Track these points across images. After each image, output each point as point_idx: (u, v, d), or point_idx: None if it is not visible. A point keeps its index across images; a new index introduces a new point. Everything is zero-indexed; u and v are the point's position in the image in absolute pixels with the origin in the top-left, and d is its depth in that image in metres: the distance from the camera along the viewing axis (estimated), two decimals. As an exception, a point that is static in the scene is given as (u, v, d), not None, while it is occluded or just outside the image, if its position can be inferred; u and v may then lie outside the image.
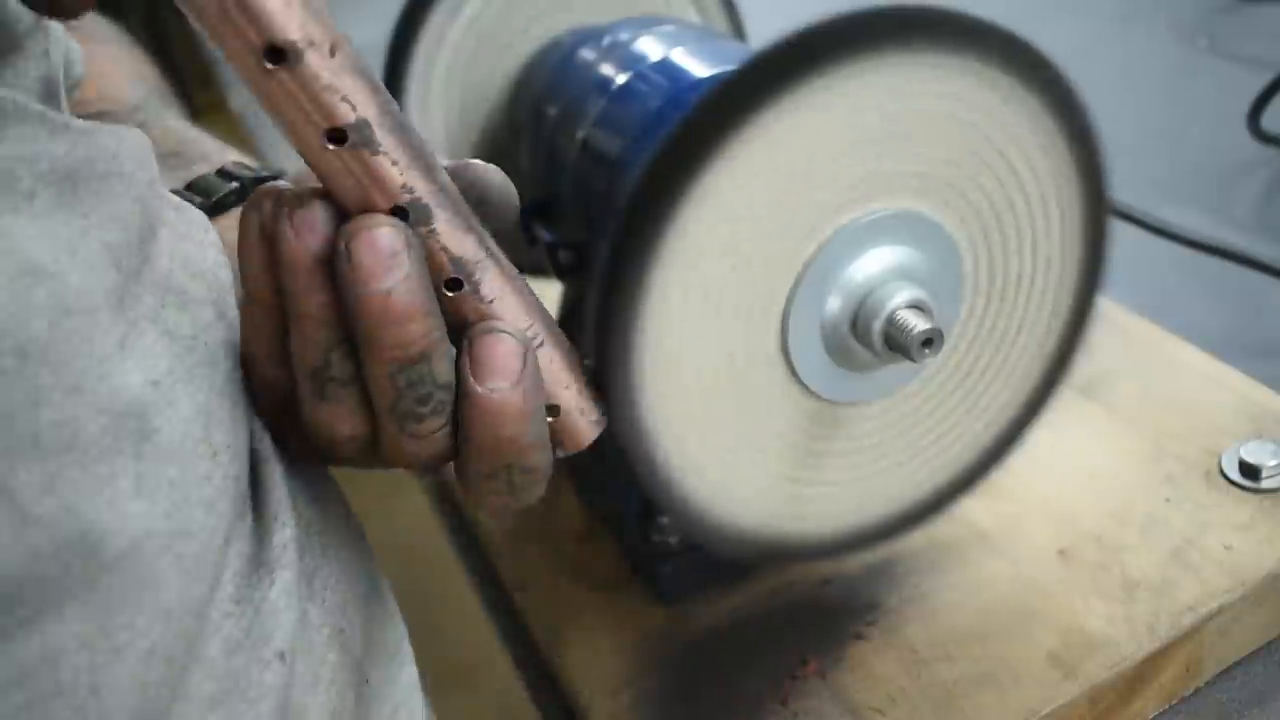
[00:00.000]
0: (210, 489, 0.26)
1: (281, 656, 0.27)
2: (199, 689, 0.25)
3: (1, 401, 0.22)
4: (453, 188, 0.28)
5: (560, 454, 0.31)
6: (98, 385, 0.24)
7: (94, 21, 0.53)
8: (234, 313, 0.30)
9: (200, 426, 0.27)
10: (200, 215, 0.32)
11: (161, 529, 0.24)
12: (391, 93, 0.53)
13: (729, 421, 0.35)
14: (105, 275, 0.25)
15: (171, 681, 0.24)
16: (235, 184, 0.40)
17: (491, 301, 0.29)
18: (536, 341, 0.30)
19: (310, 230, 0.26)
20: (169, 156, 0.43)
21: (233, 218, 0.38)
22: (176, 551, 0.25)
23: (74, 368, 0.23)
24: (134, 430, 0.24)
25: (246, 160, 0.43)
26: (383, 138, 0.26)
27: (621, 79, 0.43)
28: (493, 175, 0.31)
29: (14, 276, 0.22)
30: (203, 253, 0.30)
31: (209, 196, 0.39)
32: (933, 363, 0.37)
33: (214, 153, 0.44)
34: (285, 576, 0.28)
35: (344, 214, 0.26)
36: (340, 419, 0.28)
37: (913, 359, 0.33)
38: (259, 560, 0.28)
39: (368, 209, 0.26)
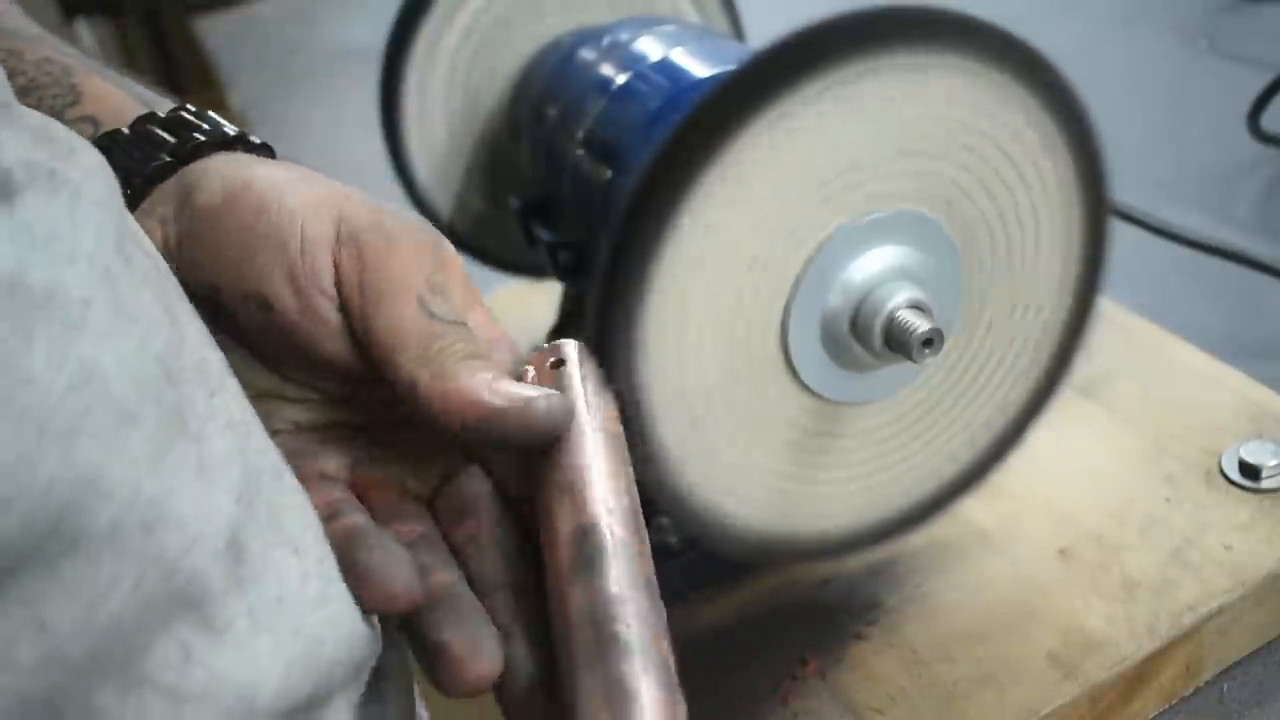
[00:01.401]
0: None
1: None
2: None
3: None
4: None
5: None
6: None
7: None
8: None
9: None
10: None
11: None
12: (391, 93, 0.54)
13: (729, 421, 0.35)
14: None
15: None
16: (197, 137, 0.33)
17: None
18: None
19: None
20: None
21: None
22: None
23: None
24: None
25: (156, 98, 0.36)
26: None
27: (621, 79, 0.43)
28: None
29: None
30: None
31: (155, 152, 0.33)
32: (933, 363, 0.37)
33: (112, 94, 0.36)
34: None
35: None
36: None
37: (913, 359, 0.33)
38: None
39: None
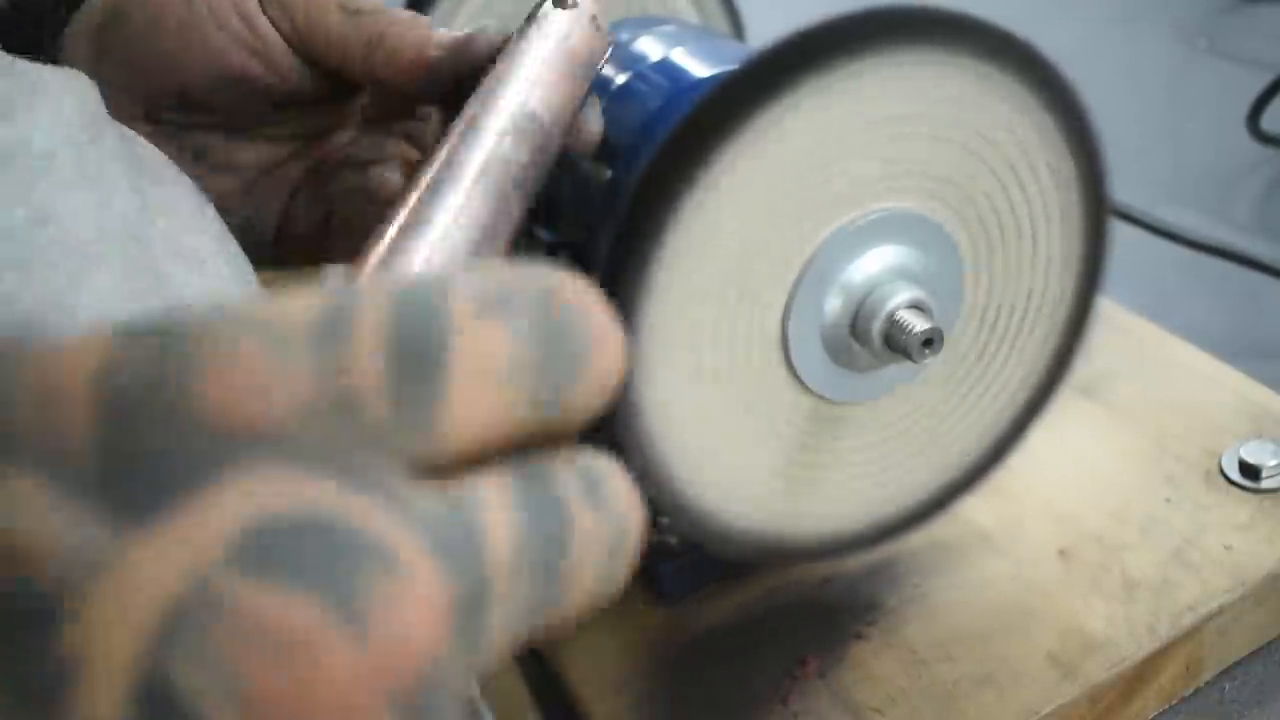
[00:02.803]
0: None
1: None
2: None
3: None
4: None
5: None
6: None
7: None
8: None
9: None
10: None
11: None
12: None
13: (729, 421, 0.35)
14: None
15: None
16: None
17: None
18: None
19: None
20: None
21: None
22: None
23: None
24: None
25: None
26: None
27: (621, 79, 0.43)
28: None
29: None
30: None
31: None
32: (933, 363, 0.37)
33: None
34: None
35: None
36: None
37: (913, 359, 0.33)
38: None
39: None
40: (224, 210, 0.31)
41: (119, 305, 0.23)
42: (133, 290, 0.24)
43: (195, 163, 0.31)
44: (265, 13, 0.35)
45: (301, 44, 0.35)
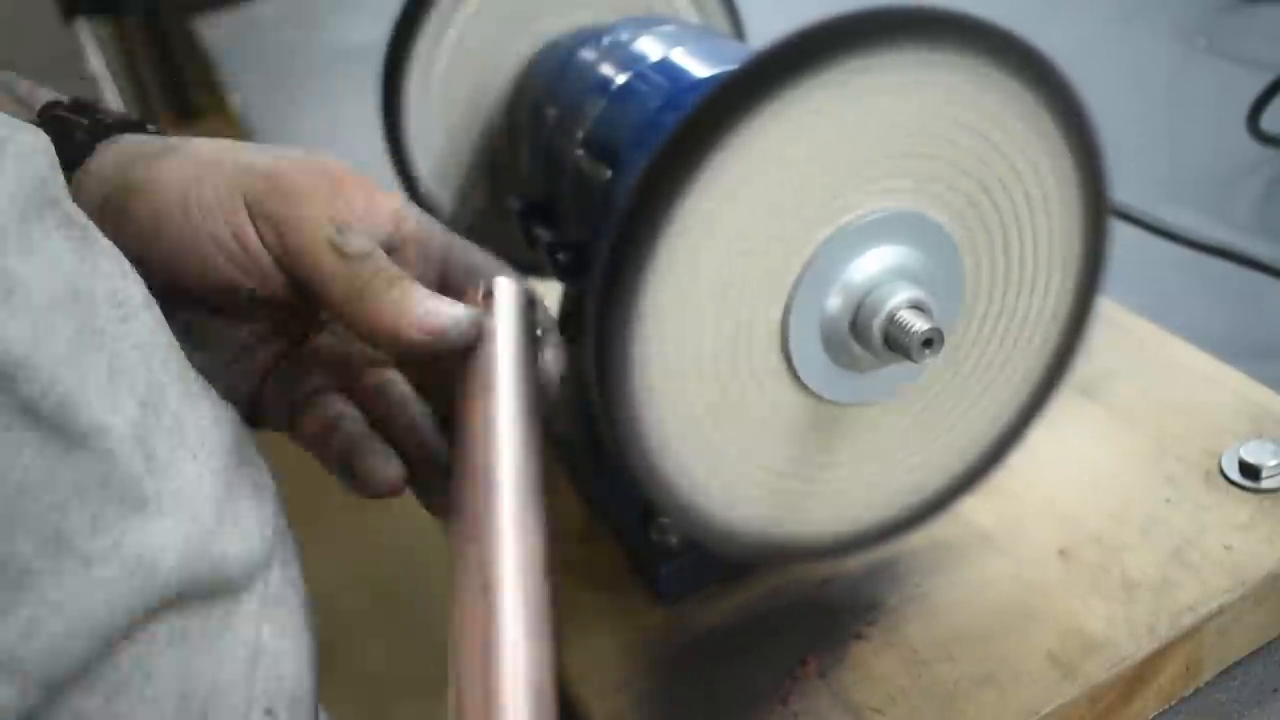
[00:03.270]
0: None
1: None
2: None
3: None
4: None
5: None
6: None
7: None
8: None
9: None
10: None
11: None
12: (390, 93, 0.54)
13: (729, 421, 0.35)
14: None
15: None
16: (83, 124, 0.39)
17: None
18: None
19: None
20: None
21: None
22: None
23: None
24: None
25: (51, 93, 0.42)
26: None
27: (621, 79, 0.43)
28: None
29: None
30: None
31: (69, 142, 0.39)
32: (933, 363, 0.37)
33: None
34: None
35: None
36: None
37: (913, 359, 0.33)
38: None
39: None
40: (206, 376, 0.33)
41: (63, 370, 0.26)
42: (73, 355, 0.27)
43: (180, 336, 0.33)
44: (257, 230, 0.36)
45: (288, 266, 0.36)
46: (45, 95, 0.41)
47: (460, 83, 0.51)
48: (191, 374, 0.32)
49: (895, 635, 0.40)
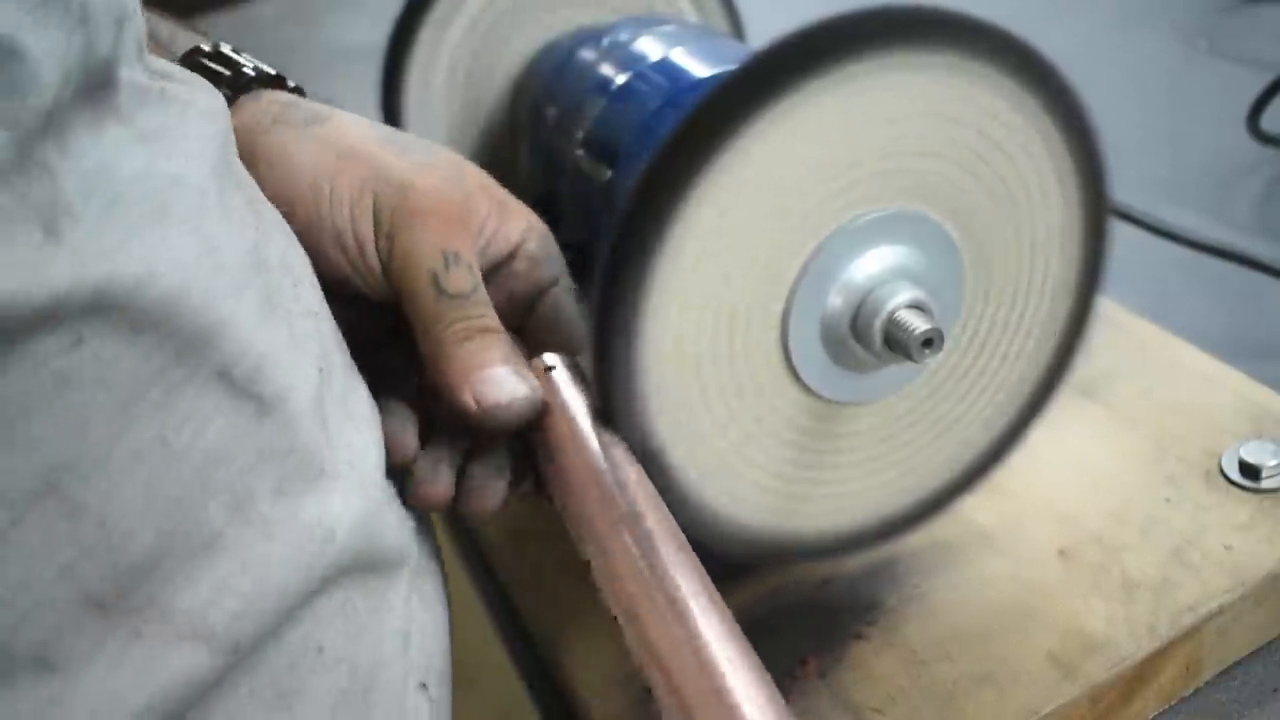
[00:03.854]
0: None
1: None
2: None
3: None
4: None
5: None
6: None
7: None
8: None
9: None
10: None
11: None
12: (391, 93, 0.54)
13: (729, 421, 0.35)
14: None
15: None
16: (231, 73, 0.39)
17: None
18: None
19: None
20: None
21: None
22: None
23: None
24: None
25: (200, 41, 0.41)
26: None
27: (621, 79, 0.43)
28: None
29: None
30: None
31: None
32: (933, 362, 0.37)
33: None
34: None
35: None
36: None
37: (913, 359, 0.33)
38: None
39: None
40: None
41: (257, 335, 0.27)
42: (262, 318, 0.27)
43: None
44: (377, 240, 0.35)
45: (394, 284, 0.35)
46: (184, 41, 0.40)
47: (461, 83, 0.51)
48: (345, 346, 0.33)
49: (895, 635, 0.40)
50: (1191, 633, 0.39)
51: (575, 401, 0.34)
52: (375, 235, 0.35)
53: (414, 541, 0.33)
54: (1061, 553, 0.42)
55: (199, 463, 0.25)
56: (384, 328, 0.38)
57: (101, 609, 0.23)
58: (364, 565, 0.29)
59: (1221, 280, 0.57)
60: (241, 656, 0.26)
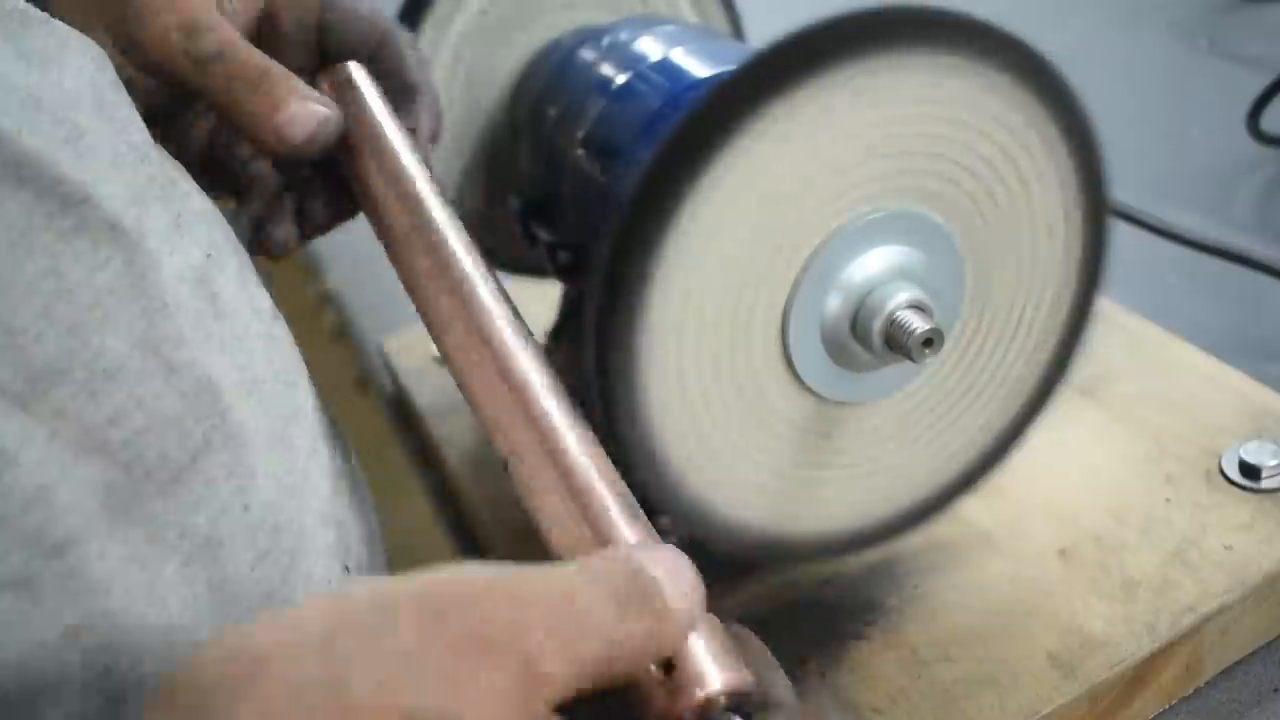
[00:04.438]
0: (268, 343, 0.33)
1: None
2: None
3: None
4: None
5: None
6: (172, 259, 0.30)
7: None
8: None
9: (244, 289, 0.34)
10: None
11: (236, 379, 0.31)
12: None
13: (729, 421, 0.35)
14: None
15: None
16: None
17: None
18: None
19: None
20: None
21: None
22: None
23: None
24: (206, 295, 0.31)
25: None
26: None
27: (621, 79, 0.43)
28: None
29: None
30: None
31: None
32: (933, 363, 0.37)
33: None
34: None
35: None
36: None
37: (913, 359, 0.33)
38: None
39: None
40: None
41: (130, 213, 0.29)
42: (139, 190, 0.30)
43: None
44: (123, 50, 0.37)
45: (163, 78, 0.37)
46: None
47: (460, 82, 0.51)
48: (243, 252, 0.36)
49: (895, 636, 0.40)
50: (1191, 633, 0.39)
51: (376, 111, 0.38)
52: (121, 49, 0.37)
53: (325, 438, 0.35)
54: (1061, 553, 0.42)
55: (92, 298, 0.27)
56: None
57: (21, 405, 0.25)
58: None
59: (1221, 280, 0.57)
60: (139, 482, 0.27)
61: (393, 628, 0.21)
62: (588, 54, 0.46)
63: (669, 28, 0.46)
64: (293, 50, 0.41)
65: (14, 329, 0.25)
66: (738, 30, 0.55)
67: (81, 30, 0.35)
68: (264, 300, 0.35)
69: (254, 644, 0.20)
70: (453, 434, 0.56)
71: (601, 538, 0.27)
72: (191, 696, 0.20)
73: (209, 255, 0.32)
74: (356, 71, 0.41)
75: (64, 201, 0.27)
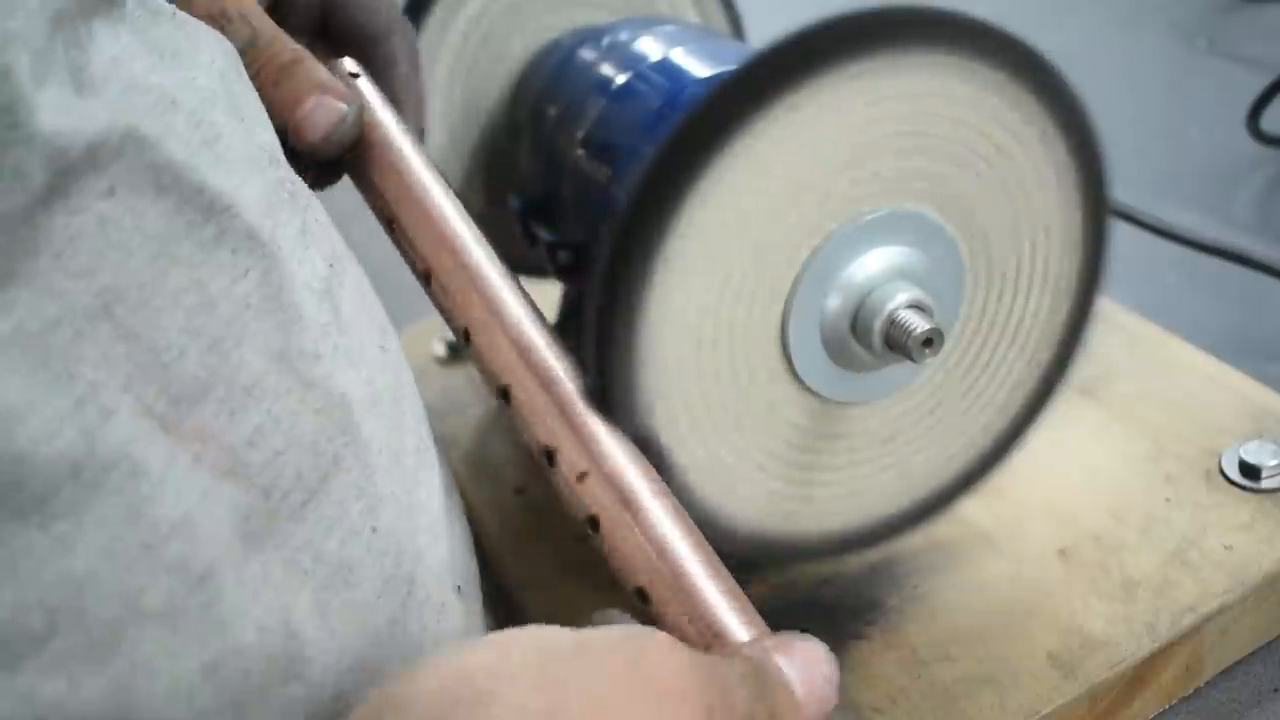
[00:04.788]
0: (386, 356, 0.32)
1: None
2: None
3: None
4: None
5: None
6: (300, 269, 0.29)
7: None
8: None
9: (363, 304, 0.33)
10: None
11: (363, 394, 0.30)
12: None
13: (728, 420, 0.35)
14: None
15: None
16: None
17: None
18: None
19: None
20: None
21: None
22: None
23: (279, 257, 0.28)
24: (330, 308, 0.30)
25: None
26: None
27: (621, 79, 0.43)
28: None
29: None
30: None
31: None
32: (933, 363, 0.37)
33: None
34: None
35: None
36: None
37: (913, 359, 0.33)
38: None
39: None
40: None
41: (264, 221, 0.28)
42: (274, 205, 0.29)
43: None
44: None
45: None
46: None
47: (461, 82, 0.51)
48: (355, 259, 0.35)
49: (895, 636, 0.40)
50: (1191, 633, 0.39)
51: (379, 109, 0.39)
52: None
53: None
54: (1061, 553, 0.42)
55: (232, 312, 0.26)
56: None
57: (164, 428, 0.24)
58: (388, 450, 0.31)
59: (1221, 280, 0.57)
60: (276, 506, 0.26)
61: (600, 666, 0.23)
62: (588, 54, 0.46)
63: (669, 28, 0.46)
64: (298, 22, 0.41)
65: (158, 346, 0.24)
66: (738, 30, 0.55)
67: None
68: (379, 312, 0.34)
69: (469, 669, 0.21)
70: (453, 434, 0.56)
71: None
72: (422, 712, 0.21)
73: (331, 265, 0.31)
74: (354, 68, 0.41)
75: (205, 210, 0.26)
